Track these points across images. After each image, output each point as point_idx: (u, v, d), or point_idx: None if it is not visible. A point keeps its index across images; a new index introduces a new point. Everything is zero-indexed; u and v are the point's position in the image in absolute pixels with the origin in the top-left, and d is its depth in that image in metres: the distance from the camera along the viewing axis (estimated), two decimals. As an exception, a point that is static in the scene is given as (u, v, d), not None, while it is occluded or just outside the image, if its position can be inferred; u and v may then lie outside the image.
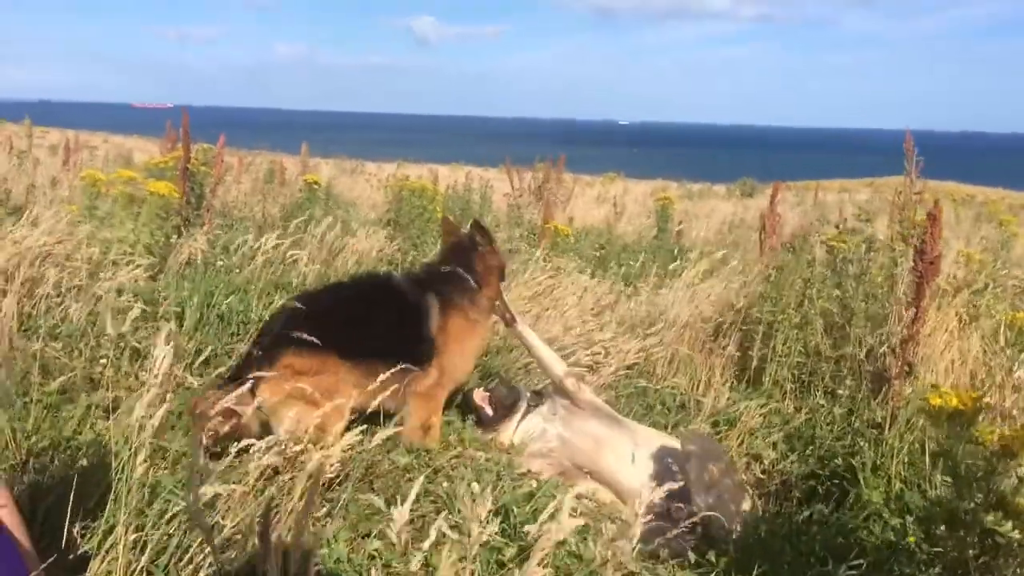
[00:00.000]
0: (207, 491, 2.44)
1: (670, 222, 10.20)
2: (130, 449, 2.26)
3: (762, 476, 3.62)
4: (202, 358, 3.76)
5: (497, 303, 3.67)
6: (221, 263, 5.60)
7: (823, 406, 4.14)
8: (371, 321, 3.38)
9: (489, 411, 3.67)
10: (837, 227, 5.20)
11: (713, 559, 2.68)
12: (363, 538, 2.57)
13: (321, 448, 2.83)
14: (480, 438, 3.55)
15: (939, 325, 4.17)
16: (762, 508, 3.32)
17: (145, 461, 2.26)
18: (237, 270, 5.44)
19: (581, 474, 3.55)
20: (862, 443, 3.25)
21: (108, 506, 2.28)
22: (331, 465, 2.77)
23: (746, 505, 3.22)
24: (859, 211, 5.22)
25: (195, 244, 5.61)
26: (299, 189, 9.12)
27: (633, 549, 3.10)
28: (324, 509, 2.67)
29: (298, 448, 2.92)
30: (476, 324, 3.50)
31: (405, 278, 3.62)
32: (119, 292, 4.44)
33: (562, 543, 2.69)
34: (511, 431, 3.65)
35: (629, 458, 3.44)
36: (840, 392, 4.14)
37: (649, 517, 3.28)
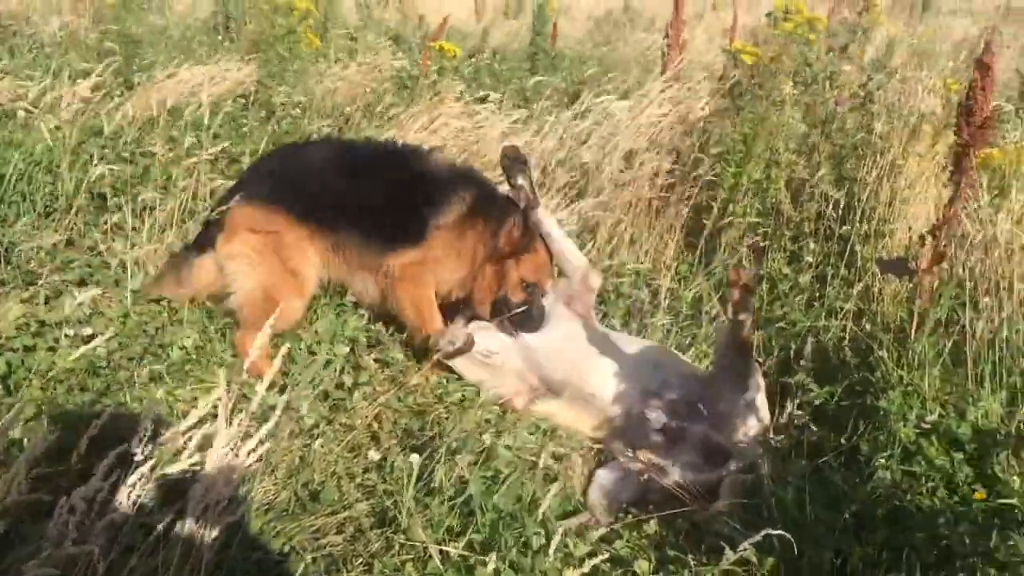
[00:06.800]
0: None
1: (547, 24, 9.07)
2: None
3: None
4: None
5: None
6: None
7: (786, 276, 3.61)
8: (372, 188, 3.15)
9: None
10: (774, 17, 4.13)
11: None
12: None
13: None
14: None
15: (918, 175, 3.61)
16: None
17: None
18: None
19: (543, 391, 2.94)
20: (880, 353, 2.65)
21: None
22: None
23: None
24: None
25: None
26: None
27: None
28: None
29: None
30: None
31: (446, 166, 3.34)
32: None
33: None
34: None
35: (617, 367, 2.84)
36: (807, 258, 3.61)
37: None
